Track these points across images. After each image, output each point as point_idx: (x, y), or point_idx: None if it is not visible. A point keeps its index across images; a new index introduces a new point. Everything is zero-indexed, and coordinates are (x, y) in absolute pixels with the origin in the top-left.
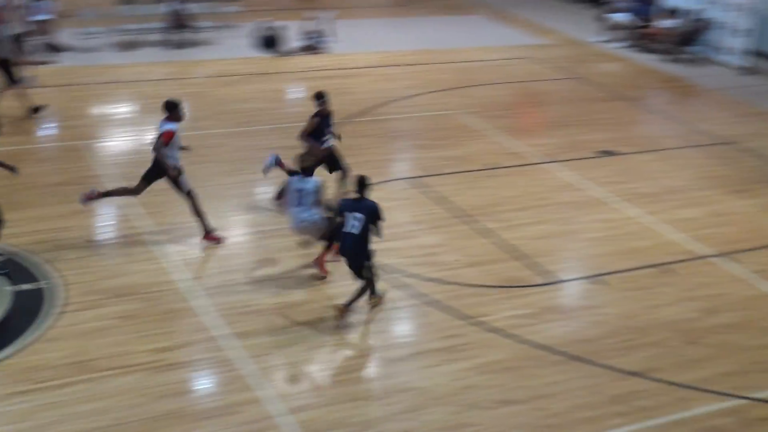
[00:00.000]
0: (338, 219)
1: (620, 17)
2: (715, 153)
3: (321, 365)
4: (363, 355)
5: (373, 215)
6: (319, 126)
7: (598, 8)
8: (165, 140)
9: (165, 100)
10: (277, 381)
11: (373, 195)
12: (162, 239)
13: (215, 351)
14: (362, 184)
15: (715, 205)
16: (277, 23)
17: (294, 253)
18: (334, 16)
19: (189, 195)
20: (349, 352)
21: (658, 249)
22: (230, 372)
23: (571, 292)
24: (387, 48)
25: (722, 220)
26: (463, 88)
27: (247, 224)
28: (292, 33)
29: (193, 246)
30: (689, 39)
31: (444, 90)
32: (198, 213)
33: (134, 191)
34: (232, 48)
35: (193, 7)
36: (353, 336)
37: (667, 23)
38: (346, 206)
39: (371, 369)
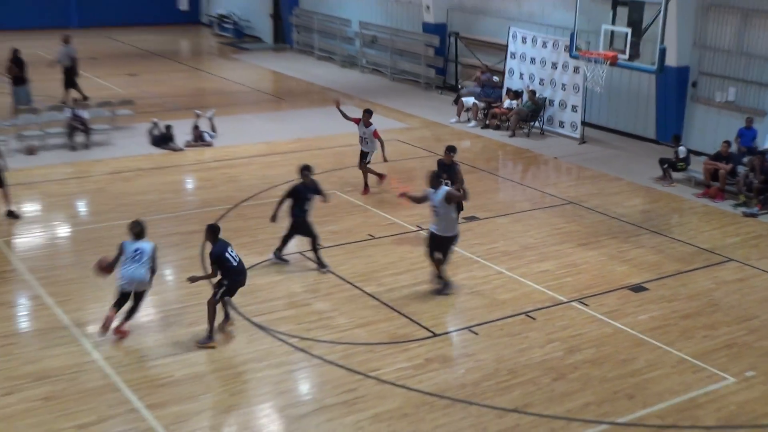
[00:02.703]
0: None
1: (471, 101)
2: (561, 213)
3: (233, 428)
4: (270, 414)
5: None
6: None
7: (452, 94)
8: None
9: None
10: None
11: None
12: (76, 323)
13: (137, 422)
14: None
15: (566, 258)
16: (167, 122)
17: (201, 327)
18: (214, 113)
19: None
20: (257, 412)
21: (522, 299)
22: None
23: (450, 343)
24: (268, 139)
25: (574, 270)
26: (340, 170)
27: (156, 303)
28: (181, 131)
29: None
30: (531, 116)
31: (323, 172)
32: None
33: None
34: (127, 147)
35: (89, 113)
36: (260, 397)
37: (512, 103)
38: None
39: (280, 426)
